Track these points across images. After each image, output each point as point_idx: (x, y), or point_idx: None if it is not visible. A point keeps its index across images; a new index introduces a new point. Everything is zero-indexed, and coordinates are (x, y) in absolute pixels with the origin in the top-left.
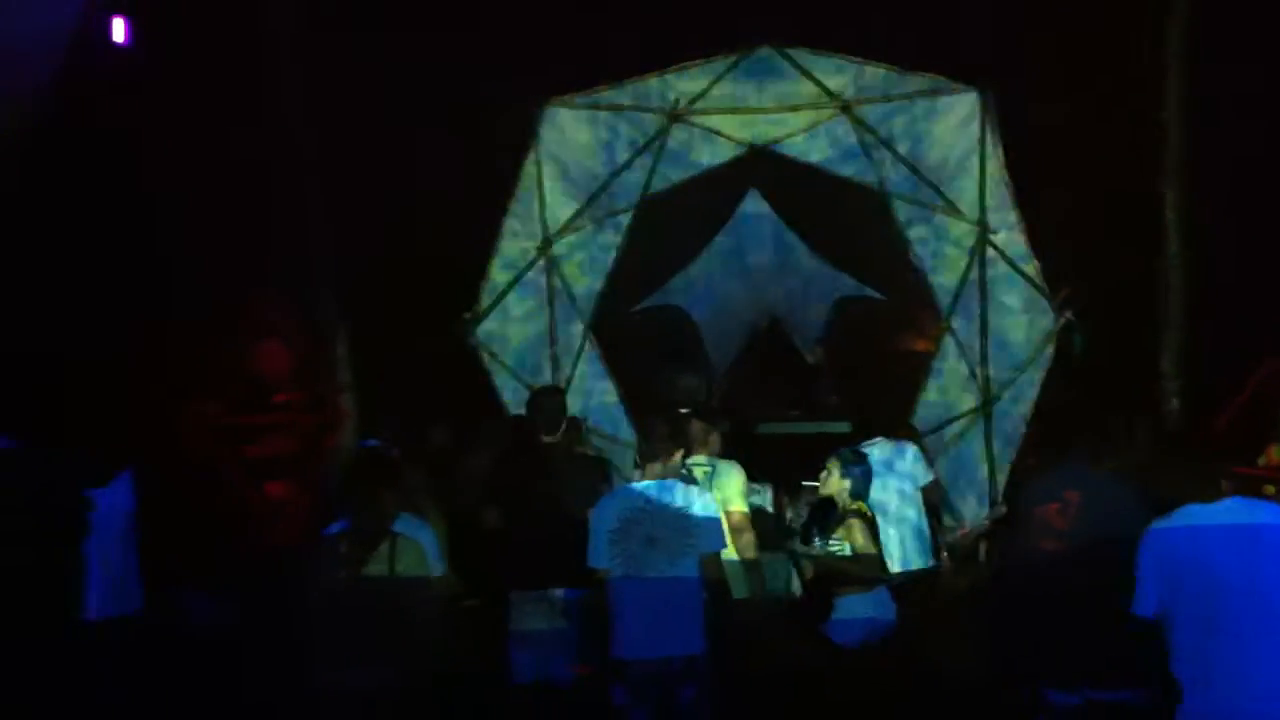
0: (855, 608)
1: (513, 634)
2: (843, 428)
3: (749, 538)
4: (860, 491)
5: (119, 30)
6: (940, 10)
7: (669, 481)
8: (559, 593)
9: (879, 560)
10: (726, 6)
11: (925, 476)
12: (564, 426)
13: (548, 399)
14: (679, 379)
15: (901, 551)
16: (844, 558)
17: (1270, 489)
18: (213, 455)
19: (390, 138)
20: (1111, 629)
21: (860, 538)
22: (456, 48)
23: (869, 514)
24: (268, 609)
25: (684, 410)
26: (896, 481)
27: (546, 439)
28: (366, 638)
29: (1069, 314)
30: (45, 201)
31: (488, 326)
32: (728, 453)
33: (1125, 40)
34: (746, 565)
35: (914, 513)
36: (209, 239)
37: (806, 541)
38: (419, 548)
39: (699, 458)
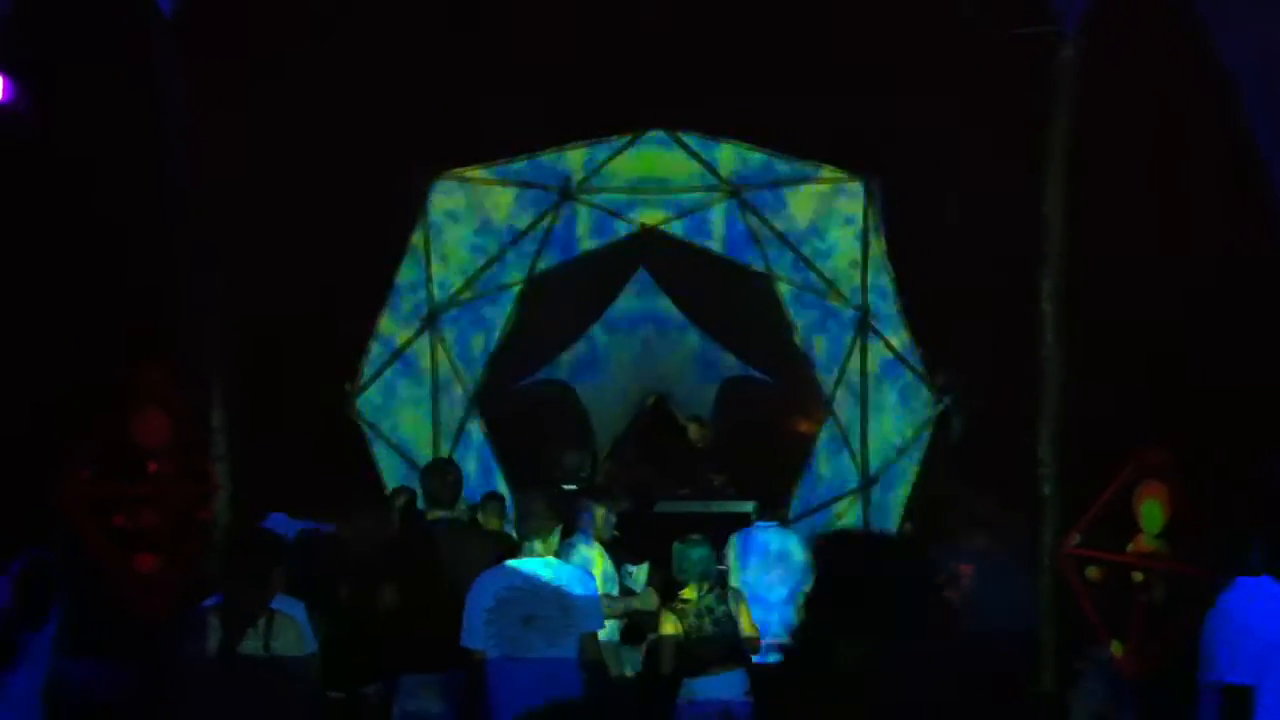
0: (704, 689)
1: (397, 717)
2: (730, 507)
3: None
4: (694, 573)
5: None
6: (829, 100)
7: (548, 559)
8: (439, 675)
9: (675, 647)
10: (621, 88)
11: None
12: (462, 500)
13: (439, 473)
14: (563, 456)
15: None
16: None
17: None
18: (82, 524)
19: (276, 204)
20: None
21: (669, 626)
22: (346, 116)
23: (688, 600)
24: (139, 682)
25: (568, 487)
26: (782, 570)
27: (439, 514)
28: (240, 715)
29: (947, 399)
30: None
31: (369, 399)
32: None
33: (1008, 133)
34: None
35: (783, 601)
36: (89, 303)
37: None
38: (297, 626)
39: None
